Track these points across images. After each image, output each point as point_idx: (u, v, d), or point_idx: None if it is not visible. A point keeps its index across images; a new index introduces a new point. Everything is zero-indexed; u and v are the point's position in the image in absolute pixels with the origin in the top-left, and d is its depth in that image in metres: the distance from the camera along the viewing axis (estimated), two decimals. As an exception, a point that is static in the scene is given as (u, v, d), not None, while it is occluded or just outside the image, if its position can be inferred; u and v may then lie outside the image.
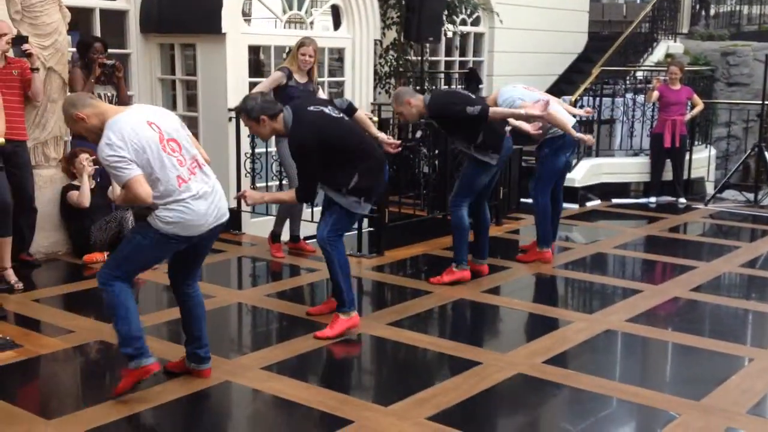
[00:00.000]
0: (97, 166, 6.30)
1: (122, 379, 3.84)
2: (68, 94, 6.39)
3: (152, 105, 7.67)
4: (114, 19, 7.61)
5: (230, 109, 7.19)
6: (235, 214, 7.29)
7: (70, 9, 6.51)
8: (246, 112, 4.67)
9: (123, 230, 6.19)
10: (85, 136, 3.83)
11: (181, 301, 4.16)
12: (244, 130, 7.18)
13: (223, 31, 7.08)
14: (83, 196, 6.17)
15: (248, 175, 7.22)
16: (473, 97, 5.82)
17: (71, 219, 6.33)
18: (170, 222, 3.77)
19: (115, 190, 6.32)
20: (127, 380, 3.81)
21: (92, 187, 6.25)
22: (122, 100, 6.71)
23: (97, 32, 7.31)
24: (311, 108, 4.67)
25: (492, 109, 5.46)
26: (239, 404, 4.03)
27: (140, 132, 3.65)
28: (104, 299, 3.91)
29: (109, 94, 6.59)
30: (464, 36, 11.46)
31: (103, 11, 7.42)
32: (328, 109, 4.71)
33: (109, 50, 7.42)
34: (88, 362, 4.54)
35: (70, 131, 6.46)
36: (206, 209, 3.81)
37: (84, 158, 6.23)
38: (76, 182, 6.30)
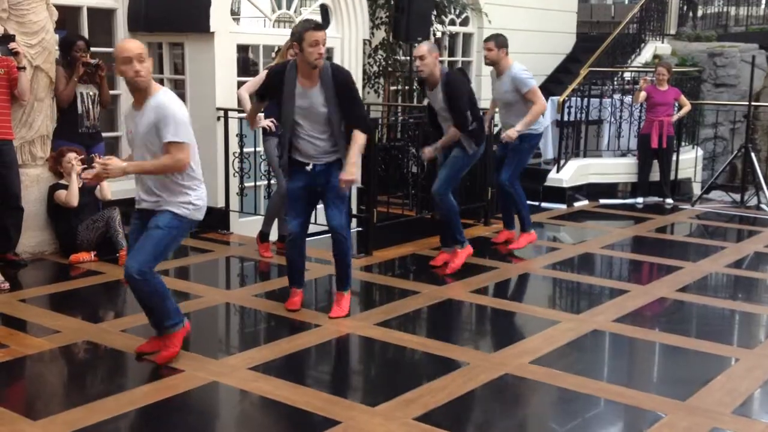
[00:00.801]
0: (84, 166, 6.27)
1: (171, 347, 4.24)
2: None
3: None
4: (102, 17, 7.57)
5: (218, 108, 7.17)
6: (223, 214, 7.28)
7: (58, 7, 6.48)
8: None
9: (110, 229, 6.17)
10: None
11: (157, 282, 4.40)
12: (233, 129, 7.18)
13: (212, 30, 7.05)
14: (71, 196, 6.14)
15: (236, 174, 7.21)
16: (474, 103, 6.15)
17: (58, 218, 6.30)
18: (200, 207, 4.24)
19: (103, 190, 6.36)
20: (177, 345, 4.26)
21: (80, 186, 6.22)
22: (104, 99, 6.69)
23: (85, 31, 7.27)
24: None
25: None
26: (226, 405, 4.02)
27: None
28: (142, 289, 4.16)
29: (91, 93, 6.57)
30: (453, 36, 11.47)
31: (90, 9, 7.38)
32: None
33: (97, 49, 7.40)
34: (75, 363, 4.52)
35: (54, 131, 6.44)
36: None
37: (72, 157, 6.21)
38: (63, 181, 6.28)
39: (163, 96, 4.06)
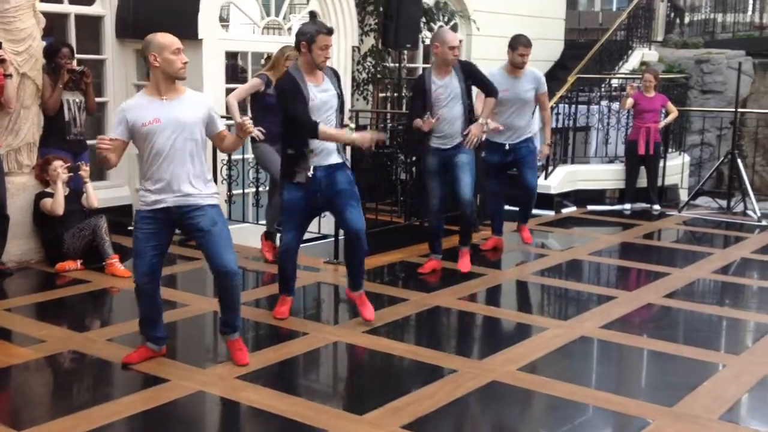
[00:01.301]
0: (71, 173, 6.25)
1: (240, 350, 4.38)
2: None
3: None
4: (89, 24, 7.56)
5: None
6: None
7: (45, 14, 6.46)
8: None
9: (97, 238, 6.14)
10: None
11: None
12: (221, 137, 7.15)
13: (200, 36, 7.04)
14: (57, 204, 6.11)
15: (225, 181, 7.19)
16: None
17: (44, 227, 6.26)
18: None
19: (90, 198, 6.33)
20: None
21: (66, 194, 6.19)
22: (90, 106, 6.68)
23: (72, 38, 7.25)
24: None
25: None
26: (212, 414, 4.01)
27: None
28: (239, 283, 4.34)
29: (77, 100, 6.56)
30: (442, 43, 11.48)
31: (78, 17, 7.37)
32: None
33: (85, 56, 7.39)
34: (60, 372, 4.49)
35: (40, 139, 6.41)
36: None
37: (58, 165, 6.18)
38: (49, 189, 6.24)
39: (196, 92, 4.35)
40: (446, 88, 5.92)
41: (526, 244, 7.05)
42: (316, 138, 4.79)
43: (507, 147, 6.68)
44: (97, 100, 7.51)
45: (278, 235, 6.59)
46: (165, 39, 4.16)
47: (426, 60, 11.44)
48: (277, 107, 5.04)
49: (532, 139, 6.81)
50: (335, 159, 4.94)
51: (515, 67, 6.60)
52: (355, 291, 5.17)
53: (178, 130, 4.12)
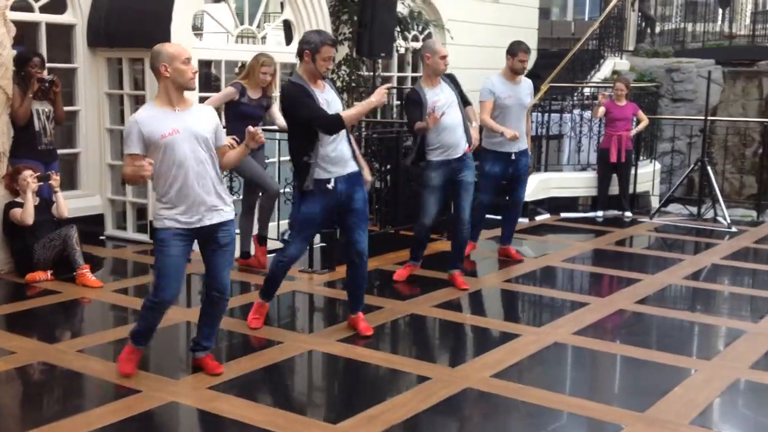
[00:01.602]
0: (41, 183, 6.18)
1: (212, 361, 4.38)
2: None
3: (98, 119, 7.59)
4: (60, 33, 7.49)
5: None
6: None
7: (16, 23, 6.39)
8: None
9: (67, 248, 6.07)
10: None
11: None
12: (194, 146, 7.11)
13: (172, 45, 7.00)
14: (27, 214, 6.04)
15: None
16: None
17: (14, 237, 6.18)
18: None
19: (60, 207, 6.26)
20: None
21: (36, 204, 6.12)
22: (59, 116, 6.63)
23: (43, 47, 7.19)
24: None
25: None
26: (185, 426, 3.97)
27: None
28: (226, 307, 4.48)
29: (46, 110, 6.50)
30: (416, 52, 11.53)
31: (49, 25, 7.30)
32: None
33: (57, 65, 7.32)
34: (30, 384, 4.43)
35: (10, 149, 6.35)
36: None
37: (27, 175, 6.11)
38: (18, 199, 6.17)
39: (200, 104, 4.35)
40: (441, 96, 5.84)
41: (520, 262, 7.02)
42: (343, 127, 4.69)
43: (513, 156, 6.67)
44: (69, 109, 7.46)
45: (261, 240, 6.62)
46: (175, 49, 4.10)
47: (401, 69, 11.48)
48: (288, 118, 4.89)
49: (527, 149, 6.88)
50: (353, 167, 4.88)
51: (515, 73, 6.62)
52: (354, 314, 5.12)
53: (195, 141, 4.06)
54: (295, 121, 4.83)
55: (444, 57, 5.82)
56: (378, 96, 4.75)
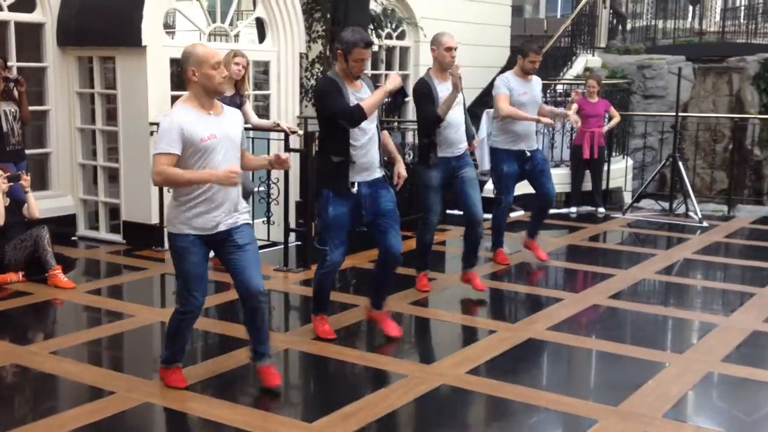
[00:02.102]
0: (11, 183, 6.11)
1: (271, 374, 4.16)
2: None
3: (69, 119, 7.51)
4: (30, 32, 7.40)
5: (152, 123, 7.07)
6: (158, 231, 7.17)
7: (-17, 22, 6.32)
8: None
9: (39, 249, 6.01)
10: None
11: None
12: (167, 145, 7.06)
13: (144, 43, 6.95)
14: (-3, 214, 5.96)
15: (170, 190, 7.07)
16: None
17: (-16, 238, 6.11)
18: None
19: (31, 208, 6.19)
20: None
21: (6, 204, 6.04)
22: (24, 115, 6.56)
23: (12, 45, 7.10)
24: None
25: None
26: (159, 426, 3.95)
27: None
28: (265, 307, 4.13)
29: (12, 110, 6.43)
30: (390, 50, 11.54)
31: (18, 24, 7.21)
32: None
33: (26, 64, 7.24)
34: (2, 386, 4.36)
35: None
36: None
37: (-2, 175, 6.03)
38: (-11, 200, 6.09)
39: (227, 106, 4.15)
40: (448, 91, 5.68)
41: (544, 261, 6.91)
42: (364, 117, 4.59)
43: (527, 154, 6.63)
44: (39, 108, 7.40)
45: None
46: (204, 51, 3.89)
47: (374, 66, 11.47)
48: (318, 114, 4.82)
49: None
50: (378, 173, 4.82)
51: (526, 73, 6.58)
52: (378, 310, 5.08)
53: (229, 147, 3.95)
54: (322, 115, 4.77)
55: (449, 49, 5.63)
56: (392, 82, 4.69)
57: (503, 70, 12.95)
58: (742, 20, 17.05)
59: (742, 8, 17.46)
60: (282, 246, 6.75)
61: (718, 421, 3.98)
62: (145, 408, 3.95)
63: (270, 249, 7.08)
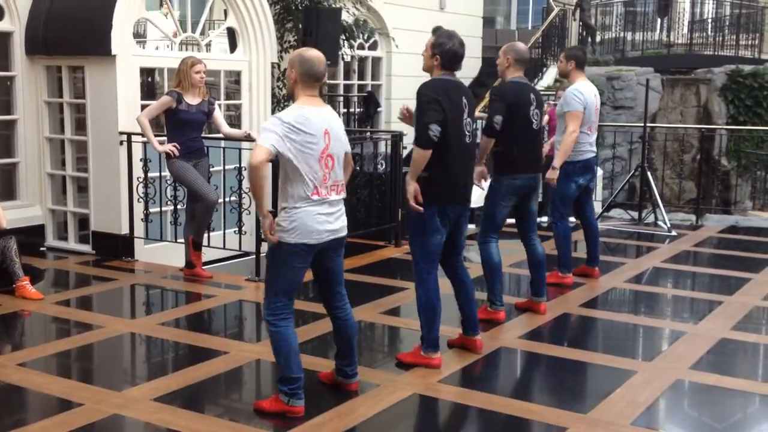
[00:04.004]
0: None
1: (270, 401, 4.03)
2: None
3: (37, 128, 7.41)
4: (-3, 40, 7.33)
5: (121, 133, 7.01)
6: (128, 241, 7.11)
7: (-51, 30, 6.24)
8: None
9: (6, 259, 5.92)
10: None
11: (332, 320, 4.28)
12: (136, 154, 7.03)
13: (113, 52, 6.90)
14: (-37, 225, 5.88)
15: (141, 200, 7.05)
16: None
17: (-50, 249, 6.01)
18: (289, 229, 3.87)
19: (-2, 218, 6.10)
20: (271, 407, 3.99)
21: (-27, 215, 5.96)
22: None
23: (-21, 54, 7.03)
24: None
25: None
26: (129, 437, 3.90)
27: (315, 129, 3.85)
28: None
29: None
30: (362, 60, 11.58)
31: (-15, 32, 7.14)
32: None
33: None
34: (-32, 400, 4.30)
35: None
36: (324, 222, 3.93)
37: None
38: (-45, 210, 6.00)
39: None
40: None
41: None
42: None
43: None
44: (7, 118, 7.33)
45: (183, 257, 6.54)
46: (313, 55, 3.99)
47: (347, 77, 11.50)
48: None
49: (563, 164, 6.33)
50: None
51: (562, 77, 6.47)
52: (474, 335, 4.90)
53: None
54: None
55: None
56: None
57: (475, 80, 13.10)
58: (709, 32, 17.35)
59: (710, 21, 17.77)
60: (254, 256, 6.72)
61: (687, 428, 4.03)
62: (114, 420, 3.90)
63: (242, 259, 7.05)
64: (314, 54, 3.96)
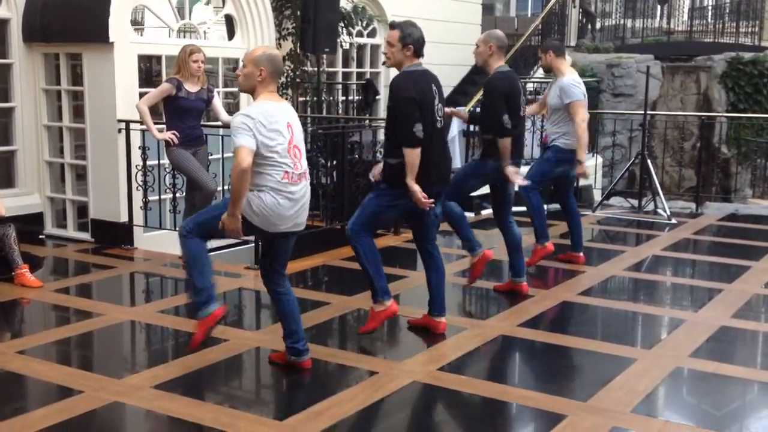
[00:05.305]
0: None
1: (198, 331, 4.25)
2: None
3: (35, 116, 7.40)
4: (-6, 27, 7.30)
5: (120, 120, 6.99)
6: (127, 229, 7.10)
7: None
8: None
9: (5, 247, 5.92)
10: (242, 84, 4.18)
11: (274, 298, 4.42)
12: (135, 142, 7.01)
13: (111, 40, 6.87)
14: (-39, 213, 5.87)
15: (140, 188, 7.04)
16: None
17: (-52, 237, 6.00)
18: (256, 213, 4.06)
19: (-3, 206, 6.09)
20: (201, 329, 4.24)
21: (-29, 202, 5.95)
22: None
23: (-24, 41, 6.99)
24: None
25: None
26: (128, 425, 3.91)
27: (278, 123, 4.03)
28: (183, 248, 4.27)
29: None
30: (361, 47, 11.53)
31: (-18, 19, 7.11)
32: None
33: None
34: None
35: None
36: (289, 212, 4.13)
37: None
38: (-47, 198, 5.98)
39: None
40: None
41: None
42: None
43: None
44: (4, 105, 7.30)
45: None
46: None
47: (345, 64, 11.46)
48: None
49: (553, 148, 6.55)
50: None
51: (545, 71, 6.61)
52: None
53: None
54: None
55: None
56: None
57: (473, 68, 13.05)
58: (709, 20, 17.28)
59: (710, 8, 17.70)
60: (252, 244, 6.71)
61: (687, 416, 4.03)
62: (114, 407, 3.91)
63: (241, 247, 7.04)
64: (278, 52, 4.21)
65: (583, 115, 6.32)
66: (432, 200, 4.67)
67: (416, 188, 4.58)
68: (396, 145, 4.62)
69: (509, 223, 5.90)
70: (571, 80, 6.37)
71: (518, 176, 5.66)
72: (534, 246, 6.61)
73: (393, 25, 4.78)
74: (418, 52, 4.68)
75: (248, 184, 3.97)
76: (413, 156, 4.54)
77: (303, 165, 4.15)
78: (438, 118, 4.70)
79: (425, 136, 4.58)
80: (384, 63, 4.95)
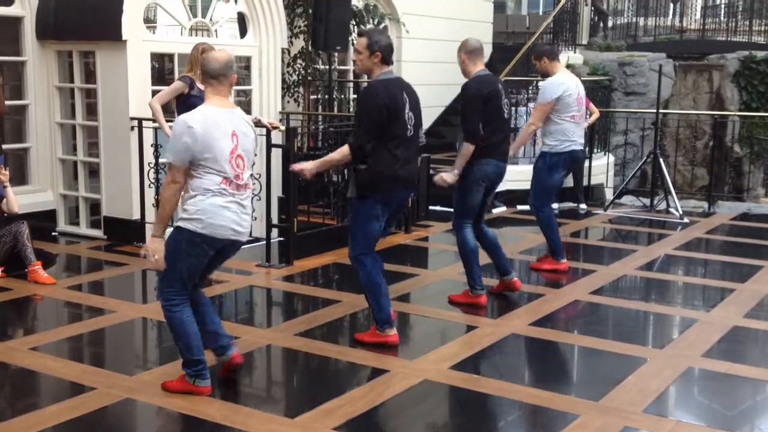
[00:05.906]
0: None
1: (176, 381, 4.03)
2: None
3: (48, 113, 7.43)
4: (8, 26, 7.32)
5: (132, 118, 7.02)
6: (139, 226, 7.13)
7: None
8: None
9: (18, 244, 5.95)
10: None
11: (194, 304, 4.17)
12: (147, 140, 7.03)
13: (124, 38, 6.90)
14: (-24, 210, 5.90)
15: (152, 185, 7.06)
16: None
17: (-38, 233, 6.04)
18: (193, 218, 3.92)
19: (10, 203, 6.13)
20: (176, 387, 4.01)
21: (-15, 199, 5.99)
22: (0, 109, 6.48)
23: (-10, 39, 7.03)
24: None
25: None
26: (140, 421, 3.93)
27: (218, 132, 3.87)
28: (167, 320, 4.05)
29: (-9, 104, 6.37)
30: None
31: (-4, 17, 7.15)
32: None
33: (5, 58, 7.16)
34: (-19, 383, 4.33)
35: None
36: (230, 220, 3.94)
37: (-24, 170, 5.96)
38: (-33, 195, 6.02)
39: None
40: None
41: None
42: None
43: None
44: (18, 103, 7.34)
45: None
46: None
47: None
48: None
49: (544, 155, 6.49)
50: None
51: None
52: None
53: None
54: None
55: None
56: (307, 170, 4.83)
57: (486, 66, 13.00)
58: (722, 18, 17.19)
59: (723, 6, 17.61)
60: (264, 242, 6.73)
61: (698, 416, 4.01)
62: (126, 403, 3.93)
63: (252, 245, 7.06)
64: (219, 53, 4.05)
65: (535, 119, 6.38)
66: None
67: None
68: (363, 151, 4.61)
69: (483, 227, 5.88)
70: (551, 81, 6.39)
71: (450, 177, 5.53)
72: (546, 256, 6.63)
73: (361, 33, 4.86)
74: (387, 59, 4.67)
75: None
76: (344, 156, 4.67)
77: (245, 175, 3.98)
78: (408, 127, 4.70)
79: (395, 144, 4.61)
80: (353, 70, 4.95)
